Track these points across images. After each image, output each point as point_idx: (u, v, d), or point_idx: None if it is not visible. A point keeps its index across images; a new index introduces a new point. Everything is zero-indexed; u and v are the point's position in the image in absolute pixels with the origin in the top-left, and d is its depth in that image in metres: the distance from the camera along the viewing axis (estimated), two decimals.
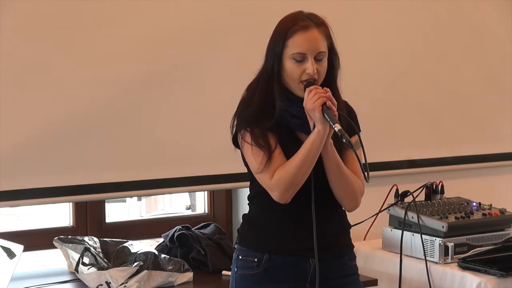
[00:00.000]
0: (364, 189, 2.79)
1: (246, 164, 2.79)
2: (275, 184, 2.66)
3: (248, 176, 2.83)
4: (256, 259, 2.75)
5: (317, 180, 2.70)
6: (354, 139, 2.70)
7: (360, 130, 2.77)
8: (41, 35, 3.49)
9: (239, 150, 2.79)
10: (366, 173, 2.64)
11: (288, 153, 2.69)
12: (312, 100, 2.61)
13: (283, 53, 2.68)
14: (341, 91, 2.80)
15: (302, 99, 2.66)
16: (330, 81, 2.74)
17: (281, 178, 2.65)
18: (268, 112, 2.70)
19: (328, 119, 2.60)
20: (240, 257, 2.80)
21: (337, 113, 2.62)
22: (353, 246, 2.87)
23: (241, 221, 2.89)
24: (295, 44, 2.67)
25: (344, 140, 2.56)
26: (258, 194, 2.78)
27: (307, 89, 2.64)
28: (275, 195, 2.67)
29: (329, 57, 2.74)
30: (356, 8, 4.17)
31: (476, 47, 4.54)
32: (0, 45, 3.40)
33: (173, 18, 3.73)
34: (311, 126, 2.66)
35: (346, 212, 2.84)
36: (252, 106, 2.72)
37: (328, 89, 2.65)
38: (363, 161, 2.65)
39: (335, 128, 2.58)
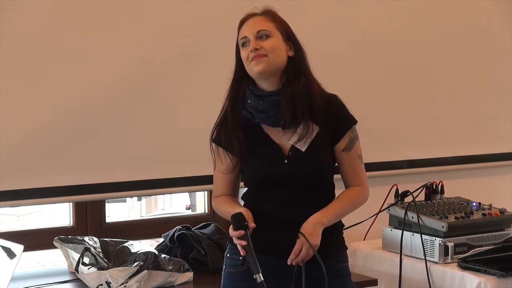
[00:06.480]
0: (369, 194, 2.84)
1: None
2: (214, 206, 2.91)
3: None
4: (240, 258, 2.76)
5: (302, 181, 2.73)
6: (348, 135, 2.77)
7: (356, 121, 2.82)
8: (40, 35, 3.49)
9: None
10: None
11: (257, 153, 2.77)
12: (300, 259, 2.69)
13: (238, 46, 2.80)
14: (319, 81, 2.81)
15: (267, 94, 2.74)
16: (300, 70, 2.77)
17: (215, 208, 2.89)
18: (239, 115, 2.79)
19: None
20: (228, 255, 2.85)
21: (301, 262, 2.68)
22: (346, 248, 2.87)
23: None
24: (240, 33, 2.79)
25: None
26: (246, 195, 2.85)
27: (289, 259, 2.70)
28: None
29: (293, 46, 2.77)
30: (356, 8, 4.17)
31: (476, 47, 4.54)
32: None
33: (173, 19, 3.73)
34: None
35: None
36: (223, 113, 2.82)
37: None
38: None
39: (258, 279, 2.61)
